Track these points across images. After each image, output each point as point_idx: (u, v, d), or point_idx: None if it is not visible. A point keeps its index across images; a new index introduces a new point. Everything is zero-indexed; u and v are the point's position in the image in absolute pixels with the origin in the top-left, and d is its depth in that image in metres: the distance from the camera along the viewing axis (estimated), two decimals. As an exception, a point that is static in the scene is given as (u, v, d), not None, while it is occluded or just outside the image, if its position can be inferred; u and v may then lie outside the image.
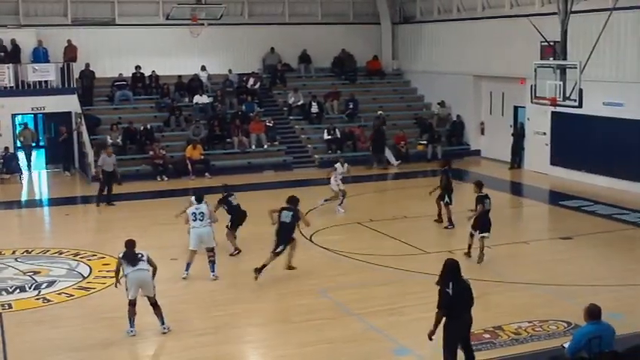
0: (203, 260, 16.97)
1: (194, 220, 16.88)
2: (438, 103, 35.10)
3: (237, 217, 19.11)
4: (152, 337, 13.66)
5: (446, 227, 21.09)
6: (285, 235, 16.95)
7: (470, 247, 18.03)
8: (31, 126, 33.43)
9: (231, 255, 18.68)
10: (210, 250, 17.00)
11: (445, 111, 34.87)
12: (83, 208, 26.57)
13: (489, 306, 14.43)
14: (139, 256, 13.59)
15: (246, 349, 13.68)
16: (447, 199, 21.15)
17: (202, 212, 16.97)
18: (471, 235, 18.06)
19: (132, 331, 13.60)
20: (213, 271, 16.91)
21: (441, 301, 10.91)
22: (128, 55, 33.83)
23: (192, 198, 18.71)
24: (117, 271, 13.90)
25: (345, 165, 24.25)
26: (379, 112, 33.97)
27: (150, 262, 13.68)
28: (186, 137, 31.14)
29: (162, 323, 13.69)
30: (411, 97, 37.60)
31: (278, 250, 16.88)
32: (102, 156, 25.47)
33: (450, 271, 11.00)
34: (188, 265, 16.98)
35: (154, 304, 13.62)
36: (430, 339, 11.01)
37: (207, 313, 15.04)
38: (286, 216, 16.95)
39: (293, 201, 17.33)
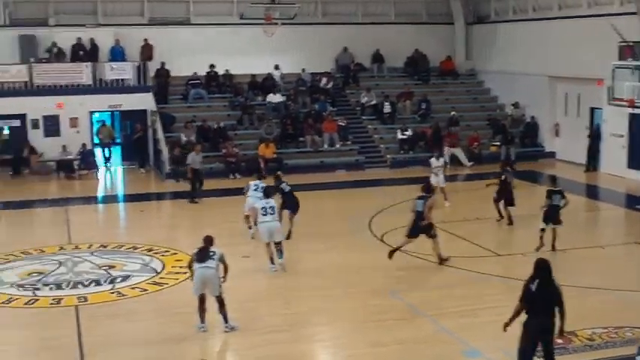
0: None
1: (264, 215, 17.20)
2: (512, 104, 34.64)
3: (290, 203, 19.59)
4: (223, 334, 13.74)
5: (498, 220, 21.48)
6: (417, 224, 17.39)
7: (542, 238, 18.15)
8: (108, 123, 34.10)
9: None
10: (278, 243, 17.33)
11: (519, 112, 34.41)
12: (157, 205, 27.00)
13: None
14: (211, 254, 13.69)
15: (316, 348, 13.70)
16: (495, 194, 21.46)
17: (272, 206, 17.39)
18: (542, 230, 18.16)
19: (202, 327, 13.73)
20: (280, 258, 17.32)
21: (522, 295, 10.84)
22: (202, 54, 34.18)
23: (251, 182, 19.91)
24: (189, 266, 14.06)
25: (441, 159, 24.70)
26: (452, 113, 33.74)
27: (222, 261, 13.76)
28: (258, 136, 31.37)
29: (226, 322, 13.73)
30: (484, 97, 37.24)
31: (411, 235, 17.55)
32: (190, 154, 26.04)
33: (539, 269, 10.90)
34: (272, 260, 17.31)
35: (220, 303, 13.68)
36: (504, 329, 10.93)
37: (277, 311, 15.09)
38: (420, 205, 17.41)
39: (428, 188, 17.91)
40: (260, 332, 13.80)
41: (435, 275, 17.21)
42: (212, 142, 30.70)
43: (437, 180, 23.51)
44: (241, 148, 30.51)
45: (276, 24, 31.61)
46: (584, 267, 17.71)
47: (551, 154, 33.28)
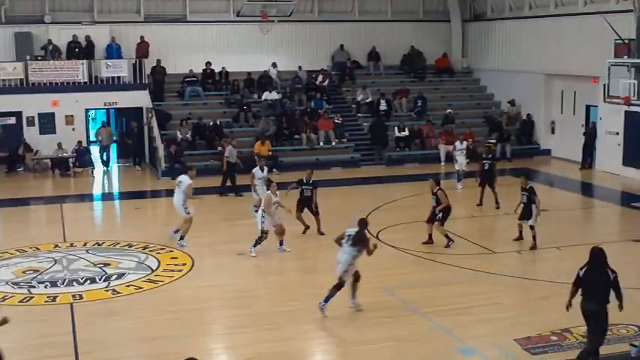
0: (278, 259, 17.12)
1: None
2: (508, 102, 34.66)
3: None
4: (224, 333, 13.89)
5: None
6: None
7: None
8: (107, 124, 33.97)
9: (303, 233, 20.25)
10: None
11: (515, 110, 34.45)
12: (152, 202, 26.94)
13: (558, 308, 14.17)
14: (350, 238, 14.36)
15: (310, 346, 13.65)
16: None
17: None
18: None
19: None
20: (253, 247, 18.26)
21: (574, 279, 11.73)
22: (199, 51, 34.23)
23: (256, 169, 22.03)
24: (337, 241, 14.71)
25: (465, 142, 27.41)
26: (448, 111, 33.74)
27: (357, 244, 14.23)
28: (254, 133, 31.33)
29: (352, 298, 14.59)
30: (480, 95, 37.26)
31: None
32: (228, 147, 26.46)
33: (591, 257, 11.76)
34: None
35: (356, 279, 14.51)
36: (567, 309, 11.80)
37: (271, 309, 14.98)
38: None
39: None
40: (254, 330, 13.78)
41: (429, 273, 17.19)
42: (208, 139, 30.69)
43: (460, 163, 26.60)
44: (237, 146, 30.34)
45: (272, 21, 31.67)
46: (580, 265, 17.66)
47: (547, 152, 33.31)
